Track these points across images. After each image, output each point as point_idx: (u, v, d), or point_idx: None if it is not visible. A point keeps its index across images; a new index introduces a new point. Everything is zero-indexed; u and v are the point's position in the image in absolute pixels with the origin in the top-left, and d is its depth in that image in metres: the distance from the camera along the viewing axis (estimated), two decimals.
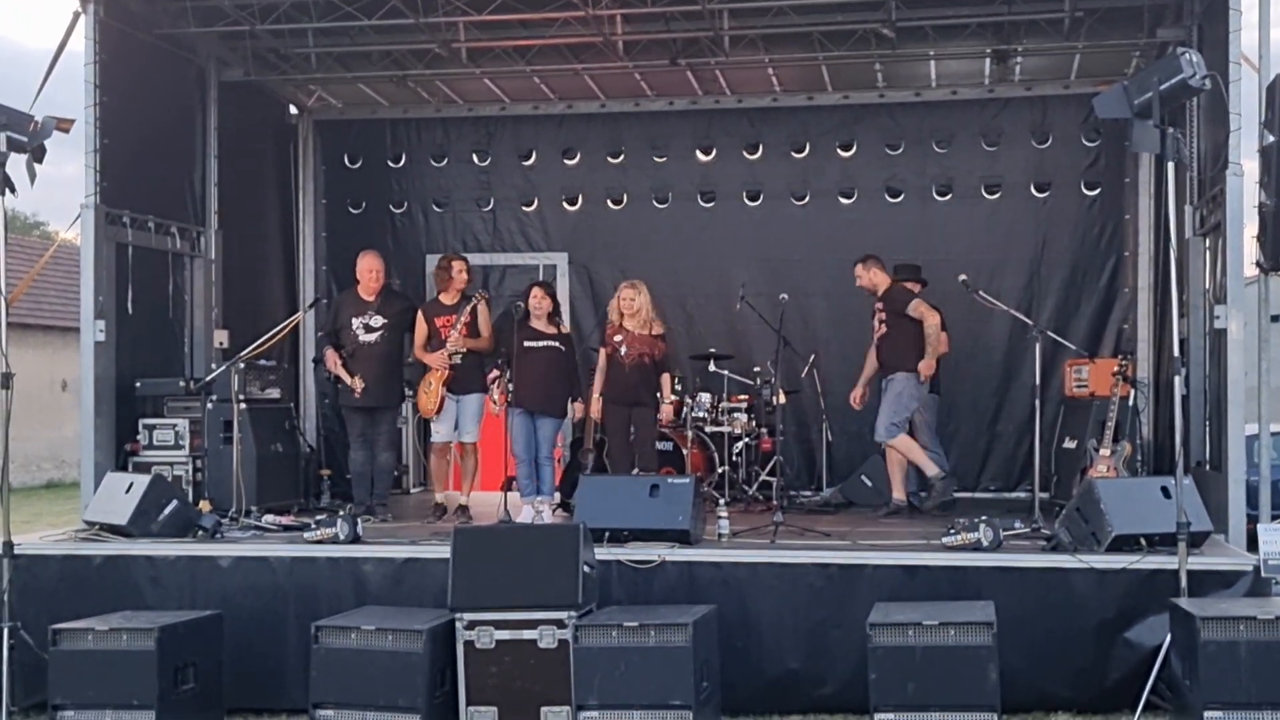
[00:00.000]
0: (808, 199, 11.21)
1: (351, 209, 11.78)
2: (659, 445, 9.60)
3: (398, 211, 11.76)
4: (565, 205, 11.56)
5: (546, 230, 11.60)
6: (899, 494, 9.20)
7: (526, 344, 8.96)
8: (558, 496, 8.99)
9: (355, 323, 9.17)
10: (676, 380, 10.08)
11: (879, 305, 9.27)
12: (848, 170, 11.15)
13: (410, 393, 9.77)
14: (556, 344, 9.00)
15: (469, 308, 9.12)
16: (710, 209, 11.36)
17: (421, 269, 11.57)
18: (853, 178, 11.15)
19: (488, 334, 9.26)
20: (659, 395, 9.20)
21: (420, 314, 9.24)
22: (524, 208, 11.61)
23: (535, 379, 8.90)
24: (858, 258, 9.46)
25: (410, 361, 9.50)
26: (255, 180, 11.13)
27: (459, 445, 9.27)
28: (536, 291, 9.12)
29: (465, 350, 9.05)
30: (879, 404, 9.29)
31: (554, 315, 9.16)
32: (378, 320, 9.19)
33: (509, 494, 8.74)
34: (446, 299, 9.25)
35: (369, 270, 9.26)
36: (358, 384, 9.06)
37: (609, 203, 11.47)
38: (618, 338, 9.12)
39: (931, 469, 9.24)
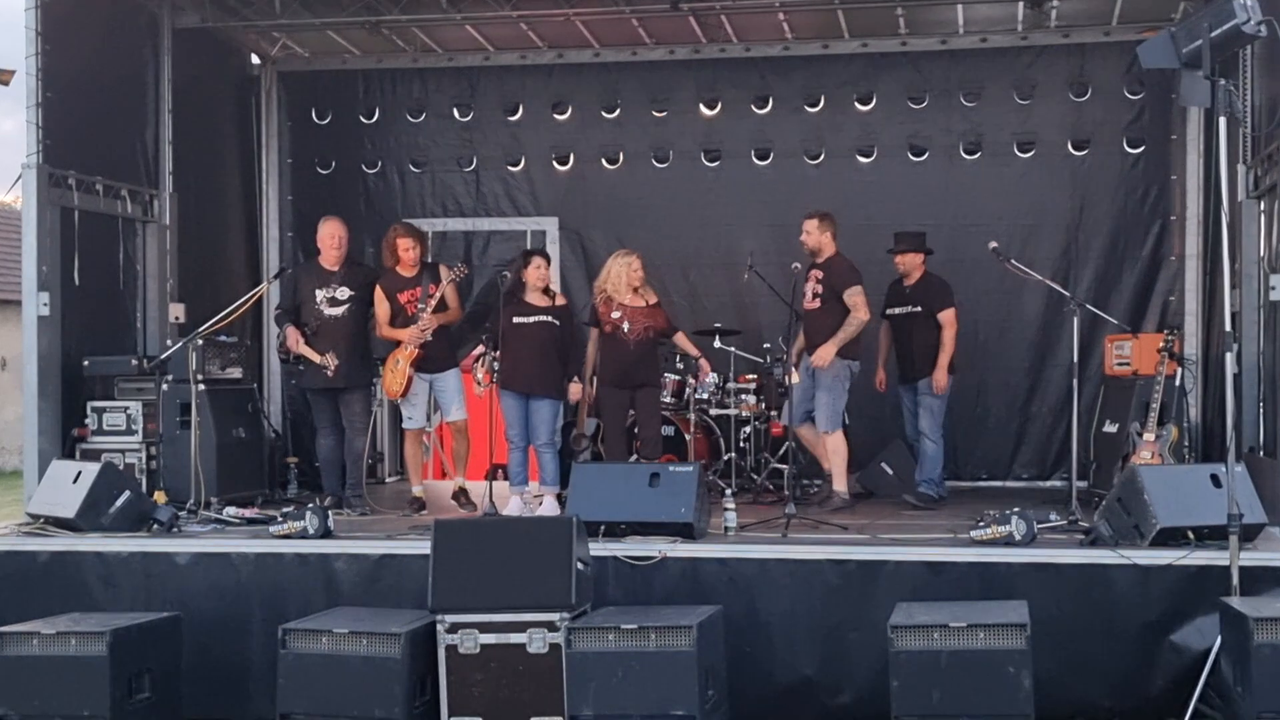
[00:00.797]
0: (822, 158, 11.20)
1: (320, 169, 11.75)
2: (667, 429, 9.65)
3: (370, 172, 11.74)
4: (555, 165, 11.53)
5: (535, 193, 11.58)
6: (840, 485, 9.22)
7: (518, 320, 8.94)
8: (558, 488, 9.00)
9: (319, 295, 9.16)
10: (678, 360, 10.08)
11: (816, 274, 9.28)
12: (866, 126, 11.14)
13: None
14: (551, 318, 8.97)
15: (447, 281, 9.09)
16: (715, 169, 11.34)
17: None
18: (872, 134, 11.14)
19: (456, 305, 9.25)
20: (696, 362, 9.29)
21: (379, 291, 9.20)
22: (510, 168, 11.59)
23: (529, 358, 8.89)
24: (816, 210, 9.43)
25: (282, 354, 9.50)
26: (214, 138, 11.10)
27: (446, 426, 9.25)
28: (540, 262, 9.10)
29: (434, 326, 9.05)
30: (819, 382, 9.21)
31: (548, 286, 9.15)
32: (343, 292, 9.17)
33: (495, 483, 8.76)
34: (405, 271, 9.22)
35: (331, 237, 9.24)
36: (331, 361, 9.04)
37: (603, 162, 11.45)
38: (616, 313, 9.11)
39: (841, 484, 9.26)
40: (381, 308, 9.16)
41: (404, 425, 9.43)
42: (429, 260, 9.37)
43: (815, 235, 9.31)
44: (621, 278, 9.12)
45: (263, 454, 10.00)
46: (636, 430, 9.26)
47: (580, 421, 9.48)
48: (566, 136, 11.49)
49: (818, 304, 9.20)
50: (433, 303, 9.01)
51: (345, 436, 9.24)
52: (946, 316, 9.32)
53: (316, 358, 9.06)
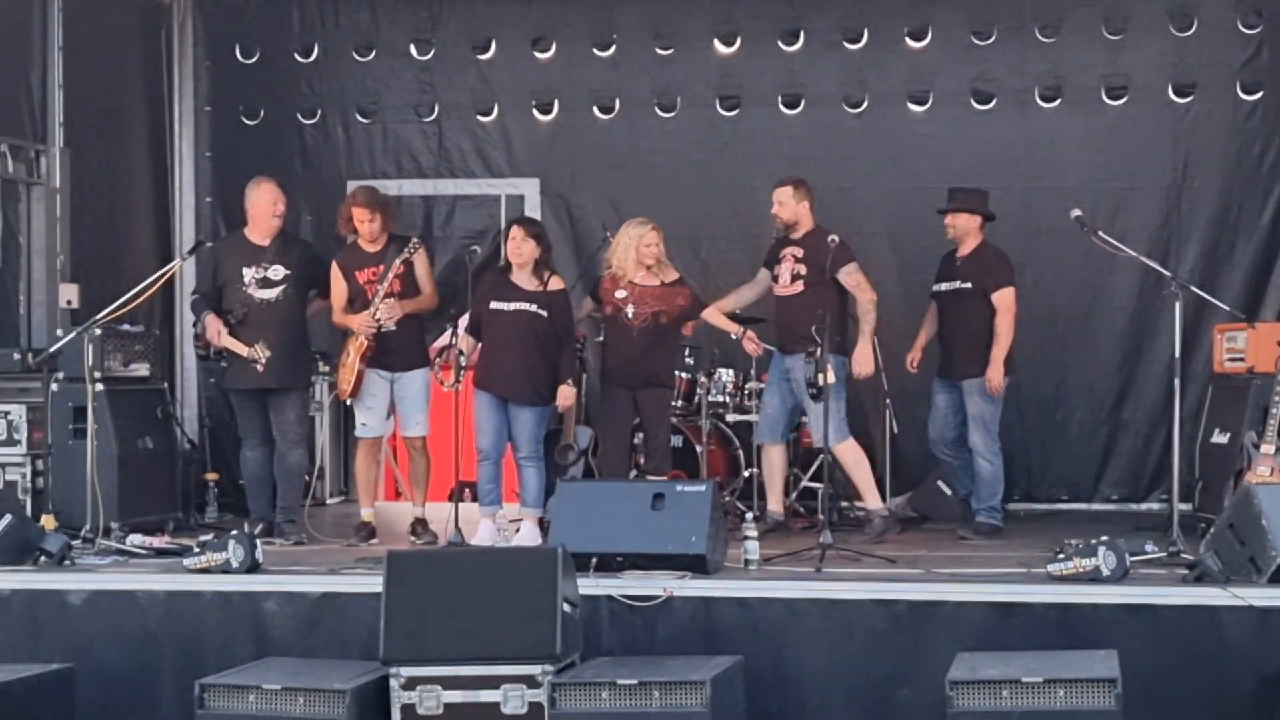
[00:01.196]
0: (865, 106, 11.20)
1: (246, 119, 11.76)
2: (675, 439, 9.66)
3: (308, 123, 11.75)
4: (536, 114, 11.53)
5: (510, 148, 11.58)
6: (874, 502, 9.34)
7: (497, 305, 8.94)
8: (541, 511, 9.01)
9: (247, 275, 9.16)
10: (687, 353, 10.07)
11: (794, 251, 9.30)
12: (920, 67, 11.15)
13: (325, 367, 9.76)
14: (538, 307, 8.95)
15: (399, 259, 9.09)
16: (733, 119, 11.34)
17: (341, 201, 11.45)
18: (927, 77, 11.14)
19: (430, 289, 9.26)
20: (740, 339, 9.33)
21: (336, 268, 9.22)
22: (480, 118, 11.59)
23: (509, 354, 8.88)
24: (789, 177, 9.47)
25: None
26: (115, 82, 11.10)
27: (401, 441, 9.29)
28: (516, 234, 9.06)
29: (398, 315, 9.04)
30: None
31: (542, 265, 9.08)
32: (277, 271, 9.18)
33: (462, 505, 8.76)
34: (366, 244, 9.23)
35: (264, 204, 9.24)
36: (261, 352, 9.03)
37: (596, 111, 11.45)
38: (620, 293, 9.11)
39: (874, 499, 9.31)
40: (336, 288, 9.18)
41: (356, 433, 9.44)
42: (396, 233, 9.35)
43: (791, 206, 9.35)
44: (629, 252, 9.11)
45: (175, 469, 10.01)
46: (639, 440, 9.27)
47: (567, 430, 9.49)
48: (550, 79, 11.49)
49: (800, 287, 9.25)
50: (386, 285, 9.01)
51: (277, 449, 9.25)
52: (1002, 298, 9.29)
53: (242, 349, 9.06)
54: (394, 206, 9.59)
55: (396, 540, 9.03)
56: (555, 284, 9.11)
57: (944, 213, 9.57)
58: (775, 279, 9.39)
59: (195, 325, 9.53)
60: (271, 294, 9.14)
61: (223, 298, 9.22)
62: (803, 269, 9.24)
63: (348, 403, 9.47)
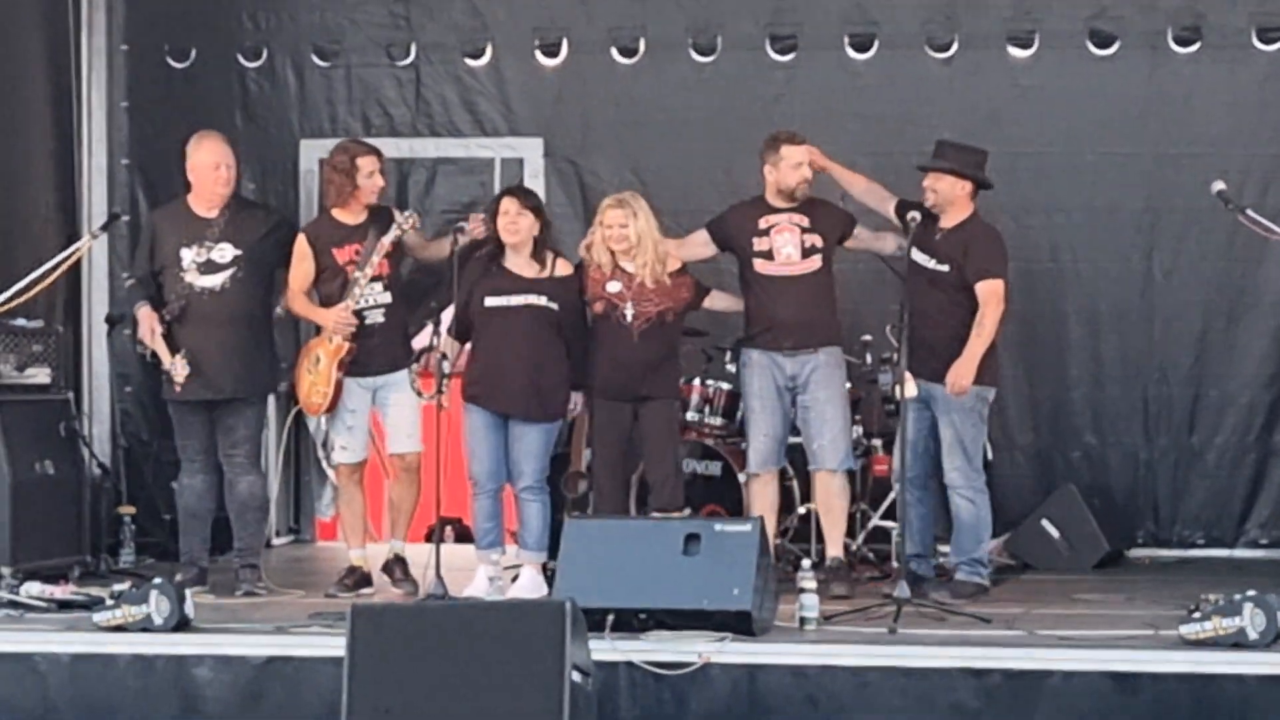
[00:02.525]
0: (955, 49, 11.18)
1: (173, 61, 11.75)
2: (699, 465, 9.71)
3: (252, 66, 11.75)
4: (539, 58, 11.53)
5: (507, 100, 11.60)
6: (835, 548, 9.35)
7: (493, 301, 9.00)
8: (544, 555, 9.05)
9: (186, 257, 9.19)
10: (727, 360, 10.07)
11: (797, 219, 9.35)
12: (1024, 1, 11.16)
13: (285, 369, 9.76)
14: (546, 299, 9.02)
15: (389, 237, 9.13)
16: (788, 65, 11.33)
17: (293, 165, 11.64)
18: (1032, 14, 11.12)
19: (438, 255, 9.35)
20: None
21: (303, 240, 9.26)
22: (468, 61, 11.59)
23: (511, 360, 8.93)
24: (788, 133, 9.54)
25: (281, 315, 9.53)
26: (4, 14, 11.00)
27: (390, 460, 9.31)
28: (509, 206, 9.11)
29: (387, 304, 9.10)
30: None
31: (542, 246, 9.16)
32: (224, 251, 9.20)
33: (445, 547, 8.84)
34: (346, 215, 9.27)
35: (211, 166, 9.26)
36: (179, 367, 9.05)
37: (614, 54, 11.46)
38: (613, 285, 9.15)
39: (836, 546, 9.29)
40: (299, 267, 9.20)
41: (334, 459, 9.53)
42: (383, 208, 9.39)
43: (809, 167, 9.42)
44: (594, 238, 9.17)
45: (81, 501, 10.05)
46: (643, 470, 9.33)
47: (576, 452, 9.56)
48: (557, 12, 11.50)
49: (816, 263, 9.29)
50: (370, 268, 9.06)
51: (225, 477, 9.28)
52: (989, 290, 9.16)
53: (166, 358, 9.09)
54: (386, 174, 9.65)
55: (385, 590, 9.15)
56: (563, 268, 9.16)
57: (925, 170, 9.45)
58: (759, 257, 9.32)
59: (110, 315, 9.55)
60: (216, 281, 9.16)
61: (161, 285, 9.26)
62: (816, 240, 9.28)
63: (320, 421, 9.48)
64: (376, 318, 9.12)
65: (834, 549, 9.34)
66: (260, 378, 9.41)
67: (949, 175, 9.34)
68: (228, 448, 9.27)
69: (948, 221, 9.33)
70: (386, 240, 9.10)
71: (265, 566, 9.56)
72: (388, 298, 9.19)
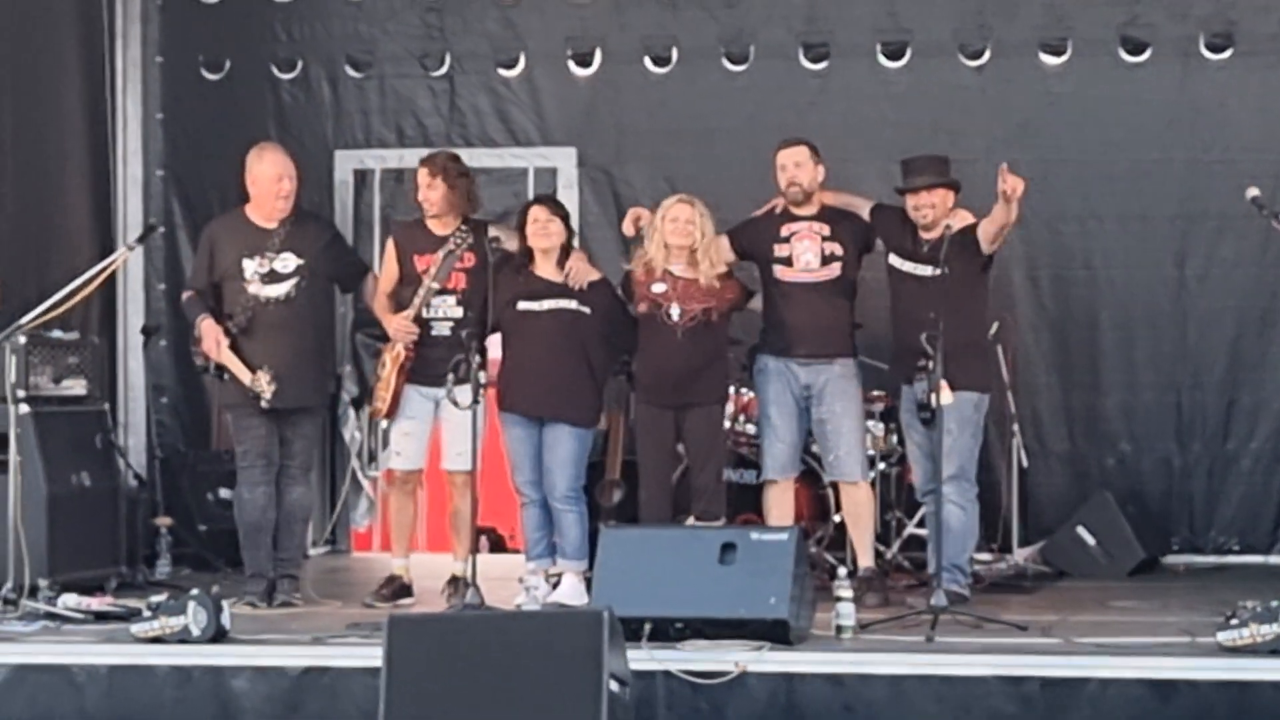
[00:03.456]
0: (987, 57, 11.18)
1: (207, 73, 11.80)
2: (734, 473, 9.67)
3: (286, 78, 11.79)
4: (572, 68, 11.57)
5: (540, 110, 11.62)
6: (865, 558, 9.31)
7: (525, 305, 9.01)
8: (584, 563, 9.02)
9: (248, 268, 9.17)
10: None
11: (817, 228, 9.28)
12: (1056, 8, 11.13)
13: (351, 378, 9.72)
14: (578, 303, 9.04)
15: (466, 246, 9.09)
16: (820, 74, 11.34)
17: (327, 176, 11.66)
18: (1065, 21, 11.12)
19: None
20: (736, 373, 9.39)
21: (391, 246, 9.24)
22: (502, 71, 11.62)
23: (542, 361, 8.94)
24: (796, 138, 9.47)
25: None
26: (40, 26, 11.07)
27: (444, 476, 9.26)
28: (539, 214, 9.12)
29: (456, 318, 9.08)
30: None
31: (567, 254, 9.16)
32: (286, 261, 9.17)
33: (478, 557, 8.77)
34: (438, 224, 9.24)
35: (274, 178, 9.22)
36: (264, 383, 8.99)
37: (647, 63, 11.47)
38: (659, 286, 9.13)
39: (867, 556, 9.27)
40: (385, 269, 9.25)
41: (390, 463, 9.52)
42: (472, 215, 9.33)
43: (809, 169, 9.30)
44: (654, 235, 9.17)
45: (118, 512, 10.04)
46: (686, 475, 9.31)
47: (612, 461, 9.58)
48: (590, 23, 11.52)
49: (836, 270, 9.23)
50: (437, 280, 9.05)
51: (282, 482, 9.30)
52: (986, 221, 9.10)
53: (244, 374, 9.02)
54: (474, 184, 9.52)
55: (425, 601, 9.12)
56: (587, 273, 9.18)
57: (907, 191, 9.27)
58: (779, 263, 9.29)
59: (145, 327, 9.54)
60: (280, 290, 9.14)
61: (222, 297, 9.23)
62: (836, 248, 9.23)
63: (355, 431, 9.49)
64: (443, 330, 9.11)
65: (865, 559, 9.34)
66: (324, 386, 9.46)
67: (940, 189, 9.23)
68: (283, 458, 9.27)
69: (937, 230, 9.18)
70: (462, 250, 9.10)
71: (303, 574, 9.57)
72: (459, 312, 9.16)
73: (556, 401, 8.97)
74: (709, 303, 9.10)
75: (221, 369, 9.13)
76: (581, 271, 9.14)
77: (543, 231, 9.05)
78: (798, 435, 9.31)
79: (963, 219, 9.15)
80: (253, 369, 9.02)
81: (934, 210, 9.15)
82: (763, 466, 9.45)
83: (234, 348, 9.09)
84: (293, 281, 9.15)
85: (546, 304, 9.01)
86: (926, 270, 9.11)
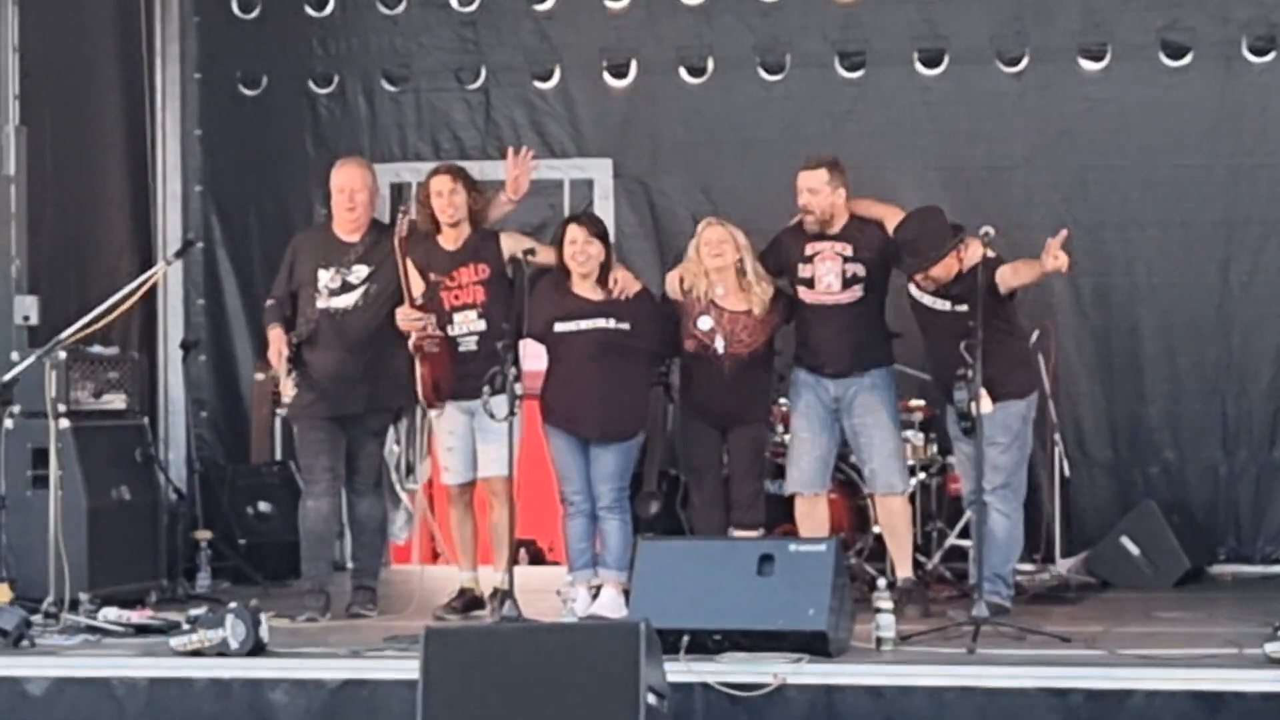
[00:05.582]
0: (1025, 64, 11.12)
1: (245, 89, 11.86)
2: (773, 484, 9.64)
3: (322, 92, 11.83)
4: (608, 79, 11.57)
5: (575, 122, 11.63)
6: (904, 569, 9.24)
7: (562, 327, 8.99)
8: (625, 575, 8.97)
9: (322, 279, 9.18)
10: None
11: (839, 248, 9.17)
12: (1094, 13, 11.08)
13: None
14: (616, 320, 9.00)
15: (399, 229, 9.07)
16: (857, 83, 11.32)
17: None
18: (1103, 26, 11.06)
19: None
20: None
21: (411, 266, 9.13)
22: (537, 84, 11.63)
23: (581, 384, 8.93)
24: (820, 157, 9.33)
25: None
26: (82, 45, 11.14)
27: (480, 485, 9.24)
28: (577, 235, 9.04)
29: (481, 331, 9.05)
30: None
31: (607, 270, 9.12)
32: (359, 271, 9.17)
33: (516, 569, 8.76)
34: (445, 239, 9.22)
35: (336, 190, 9.22)
36: (288, 386, 9.07)
37: (683, 73, 11.46)
38: (704, 323, 9.09)
39: (905, 567, 9.19)
40: (414, 285, 9.15)
41: (443, 478, 9.52)
42: (488, 226, 9.31)
43: (826, 195, 9.18)
44: (690, 260, 9.15)
45: (158, 526, 10.05)
46: (726, 486, 9.30)
47: (649, 472, 9.56)
48: (626, 33, 11.51)
49: (858, 293, 9.15)
50: (472, 297, 9.08)
51: (350, 495, 9.36)
52: (1006, 267, 8.89)
53: (281, 377, 9.10)
54: (487, 194, 9.48)
55: (426, 611, 9.12)
56: (631, 284, 9.15)
57: (940, 260, 8.94)
58: (803, 284, 9.22)
59: (185, 341, 9.55)
60: (349, 300, 9.15)
61: (296, 307, 9.26)
62: (859, 269, 9.15)
63: (392, 444, 9.48)
64: (469, 344, 9.10)
65: (903, 570, 9.29)
66: (388, 394, 9.34)
67: (941, 260, 8.97)
68: (355, 465, 9.31)
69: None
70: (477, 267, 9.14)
71: (341, 589, 9.52)
72: (482, 325, 9.13)
73: (601, 424, 8.96)
74: (754, 343, 9.08)
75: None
76: (627, 284, 9.13)
77: (582, 254, 9.00)
78: (826, 449, 9.24)
79: (973, 252, 8.88)
80: (291, 372, 9.10)
81: (961, 264, 8.90)
82: (786, 479, 9.40)
83: (295, 359, 9.14)
84: (361, 290, 9.17)
85: (585, 324, 8.98)
86: (944, 305, 9.03)
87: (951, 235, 8.93)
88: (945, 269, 8.91)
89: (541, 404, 9.10)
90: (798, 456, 9.24)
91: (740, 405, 9.17)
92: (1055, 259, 8.60)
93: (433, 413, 9.30)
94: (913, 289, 9.11)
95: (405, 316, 9.03)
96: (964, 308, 8.80)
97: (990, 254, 8.81)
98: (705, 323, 9.09)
